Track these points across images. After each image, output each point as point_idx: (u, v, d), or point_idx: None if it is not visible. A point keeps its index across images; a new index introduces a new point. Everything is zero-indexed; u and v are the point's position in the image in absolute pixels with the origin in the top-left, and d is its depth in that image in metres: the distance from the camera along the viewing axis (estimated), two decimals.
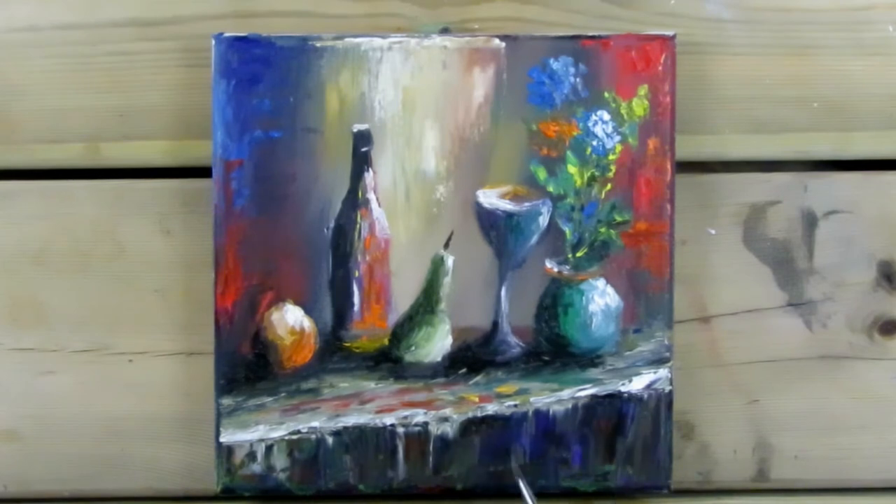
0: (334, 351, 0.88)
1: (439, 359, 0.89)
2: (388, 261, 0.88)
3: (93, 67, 0.90)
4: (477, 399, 0.89)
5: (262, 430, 0.88)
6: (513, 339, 0.89)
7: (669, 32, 0.88)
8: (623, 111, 0.88)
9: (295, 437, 0.88)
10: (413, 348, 0.88)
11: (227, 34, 0.87)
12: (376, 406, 0.88)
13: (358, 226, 0.88)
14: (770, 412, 0.93)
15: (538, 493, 0.89)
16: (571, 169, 0.88)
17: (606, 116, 0.88)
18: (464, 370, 0.89)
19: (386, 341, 0.89)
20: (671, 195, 0.88)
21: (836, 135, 0.91)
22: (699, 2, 0.91)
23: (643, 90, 0.88)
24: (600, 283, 0.89)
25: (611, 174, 0.88)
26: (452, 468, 0.89)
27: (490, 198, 0.88)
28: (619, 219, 0.88)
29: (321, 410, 0.88)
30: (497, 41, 0.87)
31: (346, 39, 0.87)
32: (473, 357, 0.89)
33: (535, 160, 0.88)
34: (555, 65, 0.87)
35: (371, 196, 0.88)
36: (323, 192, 0.87)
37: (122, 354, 0.91)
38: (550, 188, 0.88)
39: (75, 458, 0.92)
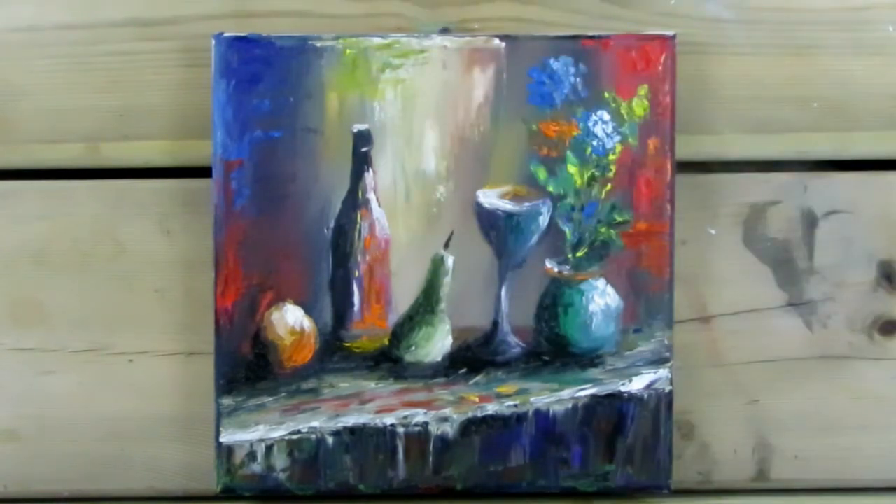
0: (334, 351, 0.88)
1: (439, 359, 0.89)
2: (388, 261, 0.88)
3: (93, 67, 0.90)
4: (477, 399, 0.89)
5: (262, 430, 0.88)
6: (513, 339, 0.89)
7: (669, 32, 0.88)
8: (623, 111, 0.88)
9: (295, 437, 0.88)
10: (413, 348, 0.88)
11: (227, 34, 0.87)
12: (376, 406, 0.88)
13: (358, 226, 0.88)
14: (770, 412, 0.93)
15: (538, 493, 0.89)
16: (571, 169, 0.88)
17: (606, 116, 0.88)
18: (464, 370, 0.89)
19: (386, 341, 0.89)
20: (671, 195, 0.88)
21: (836, 135, 0.91)
22: (699, 2, 0.91)
23: (643, 90, 0.88)
24: (600, 283, 0.89)
25: (611, 174, 0.88)
26: (452, 468, 0.89)
27: (490, 198, 0.88)
28: (619, 219, 0.88)
29: (321, 410, 0.88)
30: (497, 41, 0.87)
31: (347, 39, 0.87)
32: (473, 357, 0.89)
33: (535, 160, 0.88)
34: (555, 65, 0.87)
35: (371, 196, 0.88)
36: (323, 192, 0.87)
37: (122, 354, 0.91)
38: (550, 188, 0.88)
39: (75, 458, 0.92)
